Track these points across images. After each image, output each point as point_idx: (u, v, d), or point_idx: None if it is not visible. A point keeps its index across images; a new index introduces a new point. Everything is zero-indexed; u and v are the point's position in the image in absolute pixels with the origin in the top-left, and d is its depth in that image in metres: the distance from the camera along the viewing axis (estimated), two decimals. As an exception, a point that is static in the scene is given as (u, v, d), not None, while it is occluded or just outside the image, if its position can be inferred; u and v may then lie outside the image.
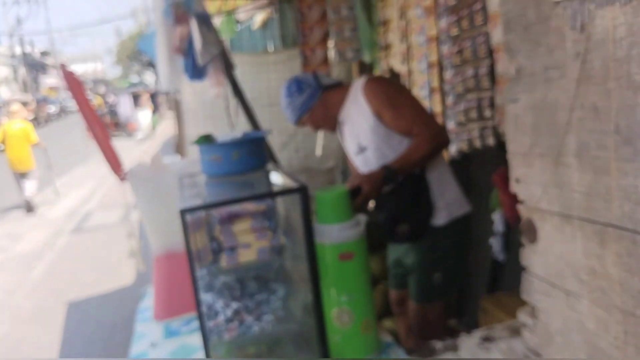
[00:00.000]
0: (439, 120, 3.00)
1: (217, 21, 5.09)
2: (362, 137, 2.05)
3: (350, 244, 1.40)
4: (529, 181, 0.85)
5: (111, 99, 18.92)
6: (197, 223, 1.28)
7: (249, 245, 1.30)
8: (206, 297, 1.31)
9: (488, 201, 3.07)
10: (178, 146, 4.65)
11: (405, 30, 3.33)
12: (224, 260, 1.30)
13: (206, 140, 1.65)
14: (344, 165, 4.99)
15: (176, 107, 4.29)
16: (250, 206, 1.33)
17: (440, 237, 1.99)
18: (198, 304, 1.22)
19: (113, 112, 17.32)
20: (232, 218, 1.30)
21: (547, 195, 0.80)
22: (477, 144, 2.66)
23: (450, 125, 2.89)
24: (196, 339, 1.70)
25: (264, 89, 4.53)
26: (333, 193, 1.44)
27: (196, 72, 2.61)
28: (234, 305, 1.30)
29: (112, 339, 3.76)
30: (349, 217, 1.44)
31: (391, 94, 1.98)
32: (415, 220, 1.98)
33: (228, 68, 2.88)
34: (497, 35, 2.46)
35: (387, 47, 3.60)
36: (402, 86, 2.08)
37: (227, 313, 1.29)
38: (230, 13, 5.54)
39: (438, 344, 1.64)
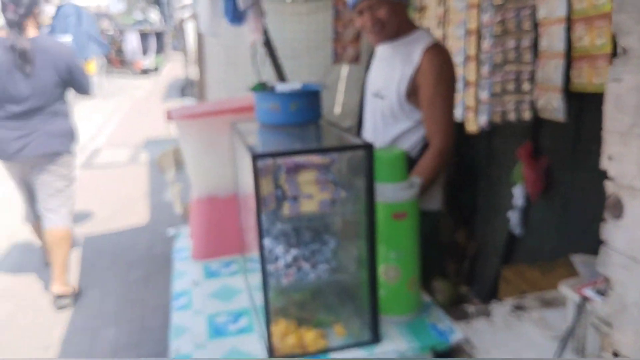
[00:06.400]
0: (472, 90, 3.00)
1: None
2: (386, 86, 2.02)
3: (404, 204, 1.43)
4: (623, 160, 0.88)
5: (117, 35, 18.54)
6: (265, 170, 1.31)
7: (312, 196, 1.33)
8: (265, 242, 1.35)
9: (509, 174, 3.11)
10: (198, 89, 4.63)
11: (444, -6, 3.28)
12: (287, 209, 1.33)
13: (263, 87, 1.66)
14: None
15: (199, 50, 4.24)
16: (315, 158, 1.36)
17: None
18: (261, 247, 1.27)
19: (119, 50, 17.05)
20: (297, 168, 1.33)
21: (644, 175, 0.83)
22: (512, 116, 2.67)
23: (483, 95, 2.89)
24: (237, 281, 1.76)
25: (288, 39, 4.45)
26: (392, 153, 1.46)
27: (236, 16, 2.58)
28: (293, 251, 1.34)
29: (128, 276, 3.82)
30: (404, 178, 1.47)
31: (444, 78, 1.93)
32: None
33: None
34: (544, 9, 2.44)
35: (422, 9, 3.56)
36: (454, 73, 2.02)
37: (287, 259, 1.33)
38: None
39: (471, 308, 1.71)
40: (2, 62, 3.17)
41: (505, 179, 3.19)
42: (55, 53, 3.31)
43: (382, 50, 2.12)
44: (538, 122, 2.64)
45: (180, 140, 1.95)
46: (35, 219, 3.69)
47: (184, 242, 2.11)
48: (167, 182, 3.67)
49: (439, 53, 1.95)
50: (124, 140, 8.15)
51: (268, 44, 3.13)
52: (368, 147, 1.31)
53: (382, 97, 2.03)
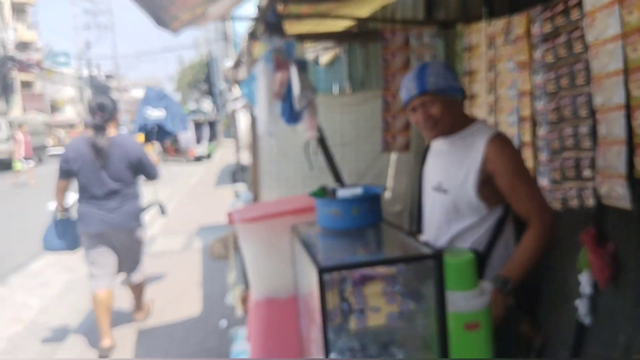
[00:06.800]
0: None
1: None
2: (448, 180, 1.98)
3: (477, 313, 1.37)
4: None
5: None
6: (331, 282, 1.28)
7: (379, 309, 1.29)
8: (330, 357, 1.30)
9: (575, 261, 2.96)
10: (251, 177, 4.78)
11: (493, 82, 3.31)
12: (354, 323, 1.29)
13: (323, 193, 1.67)
14: (412, 209, 4.94)
15: (253, 141, 4.39)
16: (381, 269, 1.33)
17: None
18: (328, 366, 1.22)
19: (174, 139, 17.90)
20: (364, 280, 1.30)
21: None
22: (574, 203, 2.58)
23: (543, 182, 2.82)
24: (299, 392, 1.69)
25: (337, 129, 4.58)
26: (461, 259, 1.41)
27: (292, 116, 2.68)
28: (361, 369, 1.28)
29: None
30: (475, 285, 1.41)
31: (519, 161, 1.92)
32: None
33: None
34: (600, 97, 2.41)
35: (471, 97, 3.59)
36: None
37: (356, 378, 1.27)
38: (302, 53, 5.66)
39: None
40: (86, 155, 3.98)
41: (570, 265, 3.03)
42: (128, 148, 4.13)
43: (438, 145, 2.10)
44: (601, 207, 2.54)
45: (241, 242, 1.97)
46: (100, 288, 4.19)
47: (242, 344, 2.07)
48: (228, 284, 3.70)
49: (505, 140, 1.94)
50: (178, 227, 8.34)
51: (322, 139, 3.21)
52: (437, 257, 1.27)
53: (445, 191, 1.98)
